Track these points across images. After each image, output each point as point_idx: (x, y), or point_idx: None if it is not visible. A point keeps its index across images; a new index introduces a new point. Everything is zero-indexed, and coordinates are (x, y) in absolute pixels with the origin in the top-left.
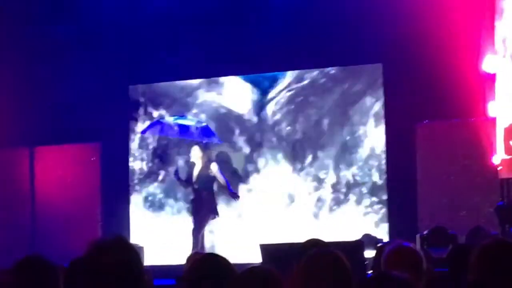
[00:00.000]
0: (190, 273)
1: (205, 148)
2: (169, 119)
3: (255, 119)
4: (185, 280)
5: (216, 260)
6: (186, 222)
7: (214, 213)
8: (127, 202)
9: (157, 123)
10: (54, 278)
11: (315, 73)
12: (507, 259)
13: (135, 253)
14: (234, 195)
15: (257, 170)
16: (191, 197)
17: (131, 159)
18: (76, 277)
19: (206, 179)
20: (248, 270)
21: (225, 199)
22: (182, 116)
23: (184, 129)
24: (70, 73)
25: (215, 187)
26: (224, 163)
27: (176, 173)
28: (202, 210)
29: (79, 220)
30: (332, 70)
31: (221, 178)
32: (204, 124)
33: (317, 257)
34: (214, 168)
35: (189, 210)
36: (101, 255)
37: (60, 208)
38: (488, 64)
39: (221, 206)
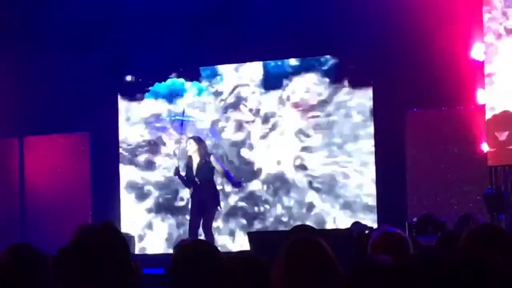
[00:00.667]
0: (176, 260)
1: (199, 140)
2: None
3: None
4: (172, 268)
5: (203, 247)
6: (181, 214)
7: (218, 204)
8: (118, 192)
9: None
10: (43, 266)
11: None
12: (494, 242)
13: (122, 239)
14: (238, 184)
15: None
16: (192, 191)
17: (120, 149)
18: (63, 265)
19: (206, 171)
20: (234, 256)
21: None
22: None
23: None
24: (59, 63)
25: (216, 178)
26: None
27: (177, 171)
28: (208, 203)
29: (69, 210)
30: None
31: (220, 169)
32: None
33: (297, 243)
34: (212, 159)
35: (194, 205)
36: (87, 239)
37: (50, 198)
38: (477, 51)
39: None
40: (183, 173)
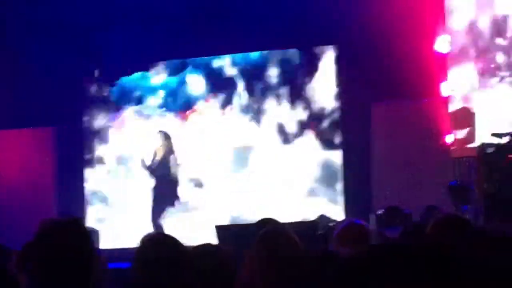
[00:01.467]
0: (140, 253)
1: (166, 137)
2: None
3: None
4: (136, 261)
5: (166, 239)
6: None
7: (175, 198)
8: (82, 187)
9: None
10: (5, 260)
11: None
12: (458, 232)
13: (86, 234)
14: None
15: None
16: (153, 184)
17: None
18: (27, 259)
19: (164, 167)
20: (199, 247)
21: None
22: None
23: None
24: (24, 53)
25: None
26: None
27: (143, 161)
28: (163, 197)
29: (33, 205)
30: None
31: (176, 169)
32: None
33: (268, 235)
34: (172, 159)
35: (154, 197)
36: (50, 233)
37: (14, 194)
38: (440, 44)
39: None
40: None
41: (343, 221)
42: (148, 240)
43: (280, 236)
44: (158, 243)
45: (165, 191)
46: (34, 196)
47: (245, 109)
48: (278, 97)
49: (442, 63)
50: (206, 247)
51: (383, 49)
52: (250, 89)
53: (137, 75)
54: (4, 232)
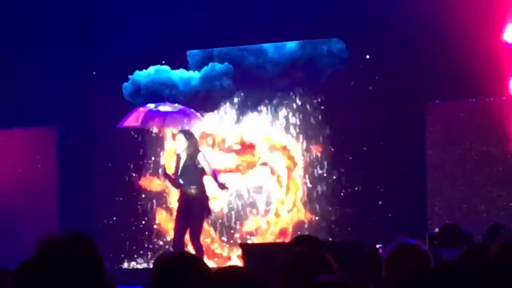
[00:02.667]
0: (156, 276)
1: (190, 136)
2: (150, 106)
3: None
4: (151, 285)
5: (185, 260)
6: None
7: (207, 211)
8: (89, 194)
9: (136, 112)
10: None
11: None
12: None
13: (94, 251)
14: (223, 186)
15: None
16: (179, 196)
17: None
18: (25, 281)
19: (194, 172)
20: (220, 271)
21: None
22: (162, 102)
23: (168, 116)
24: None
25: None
26: None
27: (164, 172)
28: (193, 209)
29: (33, 215)
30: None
31: (207, 168)
32: (180, 107)
33: (297, 258)
34: (200, 158)
35: (180, 211)
36: (52, 252)
37: (10, 201)
38: (509, 34)
39: None
40: (170, 173)
41: (393, 240)
42: (165, 261)
43: (312, 260)
44: (178, 265)
45: (191, 203)
46: (33, 204)
47: (276, 108)
48: (315, 92)
49: (511, 56)
50: (231, 270)
51: (440, 40)
52: (280, 84)
53: (152, 69)
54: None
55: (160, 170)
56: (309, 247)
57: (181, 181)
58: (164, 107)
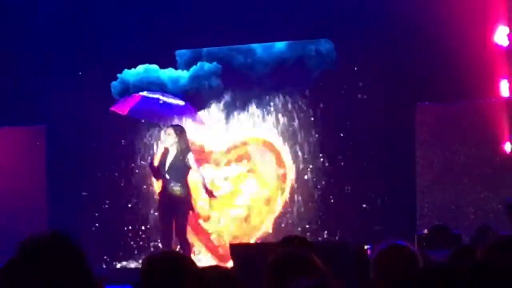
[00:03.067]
0: (144, 275)
1: (181, 132)
2: (152, 95)
3: None
4: (140, 284)
5: (173, 259)
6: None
7: (191, 208)
8: (77, 194)
9: (138, 98)
10: None
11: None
12: None
13: (78, 251)
14: (211, 194)
15: None
16: (160, 190)
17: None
18: (9, 281)
19: (182, 170)
20: (204, 270)
21: None
22: (164, 93)
23: (167, 108)
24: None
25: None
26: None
27: (151, 161)
28: (179, 207)
29: (22, 215)
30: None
31: (196, 170)
32: (183, 102)
33: (282, 258)
34: (190, 158)
35: (164, 207)
36: (33, 252)
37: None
38: (500, 35)
39: None
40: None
41: (382, 241)
42: (154, 261)
43: (297, 260)
44: (165, 263)
45: (176, 199)
46: (23, 203)
47: (264, 106)
48: (304, 93)
49: (502, 58)
50: (216, 269)
51: (430, 41)
52: (269, 84)
53: (141, 67)
54: None
55: (148, 164)
56: (297, 248)
57: (167, 175)
58: (167, 98)
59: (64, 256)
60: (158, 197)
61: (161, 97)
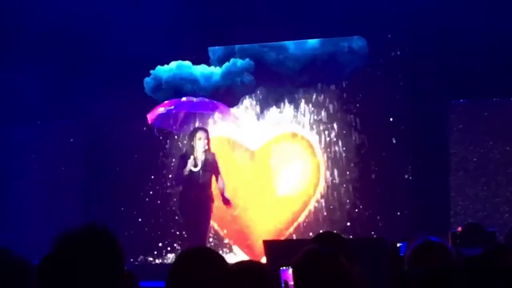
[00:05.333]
0: (175, 271)
1: (207, 133)
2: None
3: None
4: (171, 280)
5: (206, 255)
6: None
7: (212, 200)
8: (113, 190)
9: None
10: (24, 277)
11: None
12: None
13: (115, 245)
14: (227, 202)
15: None
16: (189, 190)
17: None
18: (45, 276)
19: (210, 164)
20: (241, 264)
21: None
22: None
23: (199, 105)
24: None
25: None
26: None
27: (178, 173)
28: (205, 206)
29: (58, 209)
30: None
31: (218, 174)
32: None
33: (307, 255)
34: (215, 159)
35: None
36: (69, 246)
37: (39, 193)
38: None
39: None
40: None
41: (416, 238)
42: (185, 256)
43: (320, 259)
44: (197, 259)
45: (205, 200)
46: (58, 199)
47: (296, 102)
48: (336, 89)
49: None
50: (247, 264)
51: (464, 38)
52: (301, 80)
53: (174, 64)
54: (19, 240)
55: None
56: (329, 245)
57: (200, 181)
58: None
59: (102, 250)
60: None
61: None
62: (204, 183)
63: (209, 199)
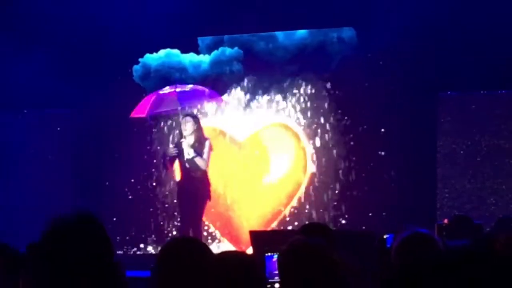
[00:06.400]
0: (161, 261)
1: (198, 120)
2: (166, 90)
3: None
4: (156, 270)
5: (190, 245)
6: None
7: (208, 196)
8: (100, 179)
9: (153, 96)
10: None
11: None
12: None
13: (105, 235)
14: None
15: None
16: (179, 178)
17: None
18: (33, 264)
19: (200, 158)
20: (225, 254)
21: None
22: (179, 84)
23: (187, 94)
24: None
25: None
26: None
27: (164, 153)
28: (198, 193)
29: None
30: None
31: (206, 159)
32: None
33: (293, 246)
34: (207, 146)
35: (185, 195)
36: (59, 234)
37: (32, 181)
38: None
39: None
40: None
41: (403, 229)
42: (171, 246)
43: (306, 249)
44: (182, 249)
45: (202, 186)
46: (48, 189)
47: (285, 91)
48: (324, 78)
49: None
50: (232, 254)
51: (453, 30)
52: (290, 69)
53: (162, 52)
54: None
55: (170, 150)
56: (315, 236)
57: (186, 164)
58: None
59: (90, 238)
60: (177, 185)
61: (176, 89)
62: (191, 168)
63: (199, 183)
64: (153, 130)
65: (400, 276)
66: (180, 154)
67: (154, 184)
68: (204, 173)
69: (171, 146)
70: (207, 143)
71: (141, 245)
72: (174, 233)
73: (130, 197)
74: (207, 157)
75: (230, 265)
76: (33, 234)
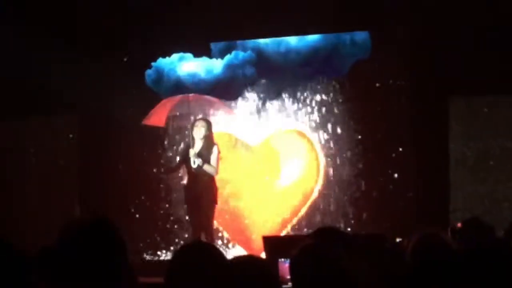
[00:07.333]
0: (173, 266)
1: (211, 125)
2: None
3: None
4: (169, 275)
5: (204, 250)
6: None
7: (215, 201)
8: (108, 184)
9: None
10: (22, 268)
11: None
12: None
13: (118, 239)
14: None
15: None
16: (185, 181)
17: None
18: (47, 266)
19: (208, 161)
20: (239, 259)
21: None
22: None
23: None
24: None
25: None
26: None
27: (185, 154)
28: (204, 197)
29: (54, 203)
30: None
31: (215, 165)
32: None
33: (304, 251)
34: (215, 152)
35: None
36: (75, 238)
37: (36, 187)
38: None
39: None
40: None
41: (416, 233)
42: (183, 251)
43: (315, 256)
44: (195, 254)
45: (203, 191)
46: (53, 193)
47: (297, 95)
48: (337, 82)
49: None
50: (247, 259)
51: (465, 34)
52: (302, 73)
53: (175, 56)
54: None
55: (182, 151)
56: (328, 240)
57: (194, 167)
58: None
59: (104, 242)
60: (184, 190)
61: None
62: (198, 173)
63: (205, 188)
64: (165, 134)
65: (416, 275)
66: (188, 161)
67: (165, 188)
68: (211, 177)
69: (180, 151)
70: (215, 149)
71: (152, 251)
72: (186, 236)
73: (140, 202)
74: (215, 163)
75: (244, 270)
76: (40, 238)
